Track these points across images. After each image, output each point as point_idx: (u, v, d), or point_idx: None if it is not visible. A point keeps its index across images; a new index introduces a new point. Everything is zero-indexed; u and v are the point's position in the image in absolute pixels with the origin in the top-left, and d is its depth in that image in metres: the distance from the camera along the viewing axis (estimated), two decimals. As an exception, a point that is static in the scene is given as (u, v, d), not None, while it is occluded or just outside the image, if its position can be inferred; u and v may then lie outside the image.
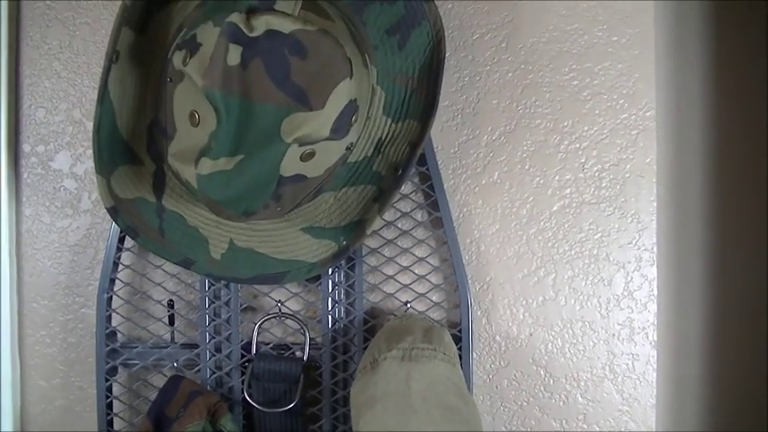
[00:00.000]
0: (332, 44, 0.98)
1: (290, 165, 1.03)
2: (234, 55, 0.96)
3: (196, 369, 1.27)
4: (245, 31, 0.96)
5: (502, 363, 1.29)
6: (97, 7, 1.32)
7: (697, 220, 1.36)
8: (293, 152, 1.01)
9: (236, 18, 0.95)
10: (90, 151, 1.32)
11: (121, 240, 1.26)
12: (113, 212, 1.10)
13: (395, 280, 1.28)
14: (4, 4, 1.30)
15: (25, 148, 1.33)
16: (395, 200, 1.20)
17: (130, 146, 1.13)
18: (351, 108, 1.03)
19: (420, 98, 1.15)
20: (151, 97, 1.13)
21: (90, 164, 1.32)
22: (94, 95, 1.28)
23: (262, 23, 0.96)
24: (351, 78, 1.00)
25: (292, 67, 0.97)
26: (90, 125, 1.31)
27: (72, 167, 1.33)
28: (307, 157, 1.04)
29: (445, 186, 1.26)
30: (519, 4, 1.29)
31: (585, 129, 1.28)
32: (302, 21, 0.98)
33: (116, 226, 1.22)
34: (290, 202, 1.09)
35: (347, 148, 1.10)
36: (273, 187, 1.03)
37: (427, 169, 1.24)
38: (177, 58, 1.03)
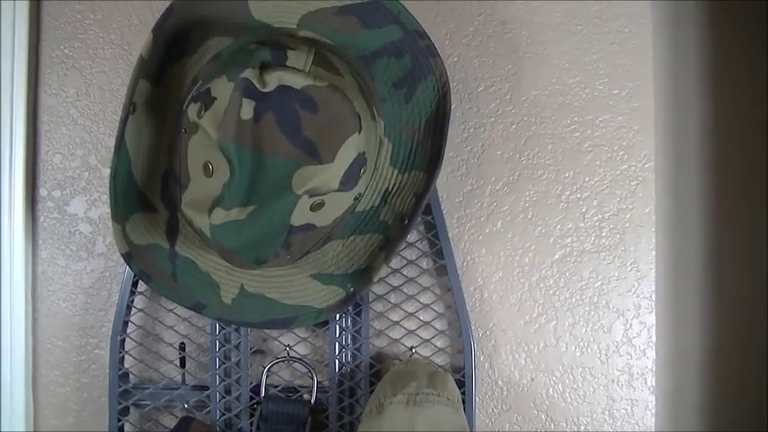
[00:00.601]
0: (341, 100, 1.01)
1: (301, 215, 1.05)
2: (247, 109, 0.99)
3: (206, 410, 1.29)
4: (258, 86, 0.99)
5: (504, 407, 1.32)
6: (114, 57, 1.36)
7: (695, 269, 1.39)
8: (303, 203, 1.04)
9: (249, 74, 0.99)
10: (105, 196, 1.35)
11: (135, 284, 1.28)
12: (128, 258, 1.13)
13: (400, 326, 1.31)
14: (24, 52, 1.33)
15: (42, 192, 1.36)
16: (401, 248, 1.22)
17: (145, 193, 1.17)
18: (359, 161, 1.06)
19: (426, 150, 1.18)
20: (165, 147, 1.16)
21: (105, 209, 1.35)
22: (110, 142, 1.33)
23: (274, 79, 1.00)
24: (359, 132, 1.03)
25: (303, 122, 1.01)
26: (105, 171, 1.35)
27: (87, 212, 1.36)
28: (316, 207, 1.07)
29: (450, 235, 1.28)
30: (522, 57, 1.32)
31: (586, 179, 1.31)
32: (313, 77, 1.01)
33: (130, 270, 1.25)
34: (300, 251, 1.12)
35: (355, 199, 1.13)
36: (284, 237, 1.05)
37: (432, 218, 1.26)
38: (192, 111, 1.06)
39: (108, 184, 1.27)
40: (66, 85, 1.37)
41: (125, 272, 1.27)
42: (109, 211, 1.24)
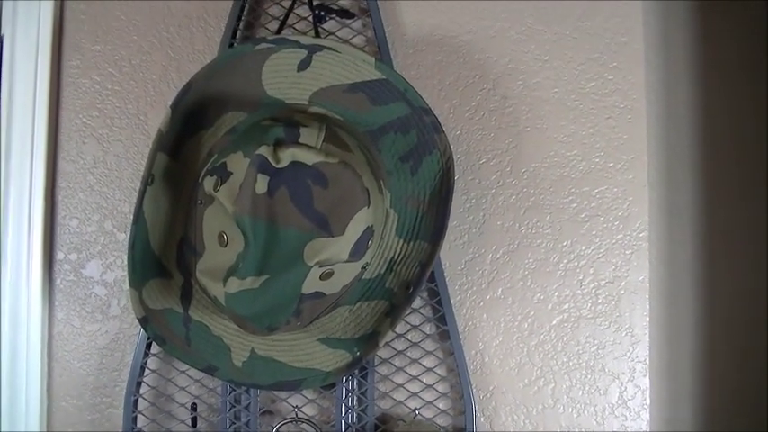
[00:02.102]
0: (351, 176, 1.06)
1: (311, 284, 1.09)
2: (262, 184, 1.04)
3: (216, 469, 1.32)
4: (272, 162, 1.04)
5: (504, 467, 1.36)
6: (130, 126, 1.41)
7: (687, 335, 1.44)
8: (314, 273, 1.08)
9: (264, 150, 1.04)
10: (120, 260, 1.39)
11: (148, 346, 1.32)
12: (144, 322, 1.17)
13: (404, 388, 1.34)
14: (44, 120, 1.39)
15: (59, 255, 1.40)
16: (406, 314, 1.25)
17: (161, 261, 1.20)
18: (368, 233, 1.10)
19: (431, 221, 1.22)
20: (181, 216, 1.20)
21: (120, 272, 1.39)
22: (125, 208, 1.37)
23: (288, 156, 1.05)
24: (368, 207, 1.08)
25: (315, 196, 1.06)
26: (120, 236, 1.39)
27: (102, 275, 1.40)
28: (326, 276, 1.11)
29: (452, 301, 1.33)
30: (522, 131, 1.37)
31: (583, 248, 1.36)
32: (324, 153, 1.07)
33: (144, 332, 1.29)
34: (309, 317, 1.15)
35: (362, 268, 1.17)
36: (295, 305, 1.09)
37: (435, 285, 1.31)
38: (208, 184, 1.11)
39: (125, 251, 1.32)
40: (83, 153, 1.42)
41: (139, 334, 1.31)
42: (123, 274, 1.29)
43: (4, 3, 1.42)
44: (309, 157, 1.06)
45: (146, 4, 1.43)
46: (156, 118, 1.41)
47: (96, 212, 1.41)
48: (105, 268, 1.40)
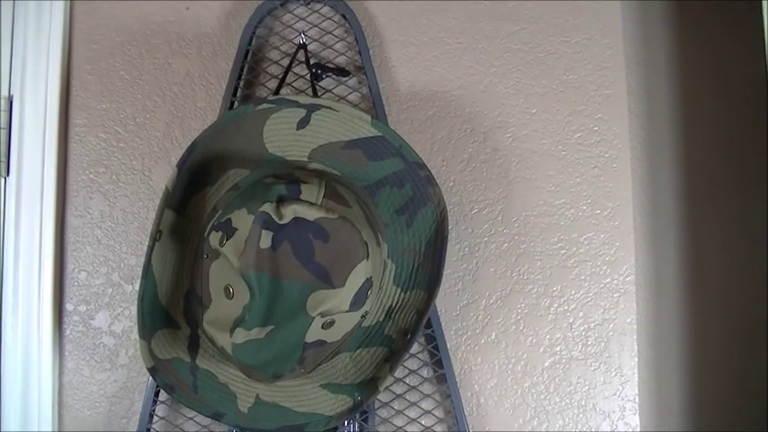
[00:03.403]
0: (350, 230, 1.11)
1: (314, 333, 1.13)
2: (266, 239, 1.09)
3: None
4: (275, 218, 1.09)
5: (501, 505, 1.40)
6: (135, 182, 1.46)
7: (675, 375, 1.48)
8: (317, 322, 1.12)
9: (268, 207, 1.09)
10: (127, 311, 1.43)
11: (157, 394, 1.36)
12: (153, 371, 1.20)
13: (404, 430, 1.38)
14: (52, 176, 1.44)
15: (68, 306, 1.44)
16: (404, 359, 1.27)
17: (169, 312, 1.24)
18: (367, 284, 1.14)
19: (426, 270, 1.26)
20: (187, 269, 1.24)
21: (127, 323, 1.43)
22: (132, 260, 1.42)
23: (290, 212, 1.10)
24: (367, 259, 1.12)
25: (316, 250, 1.10)
26: (128, 288, 1.43)
27: (111, 326, 1.44)
28: (327, 325, 1.15)
29: (448, 346, 1.37)
30: (512, 181, 1.43)
31: (573, 293, 1.41)
32: (325, 209, 1.11)
33: (152, 381, 1.33)
34: (312, 364, 1.19)
35: (362, 317, 1.20)
36: (299, 353, 1.13)
37: (432, 331, 1.35)
38: (214, 239, 1.15)
39: (133, 302, 1.37)
40: (91, 208, 1.46)
41: (148, 382, 1.35)
42: (131, 324, 1.34)
43: (13, 63, 1.46)
44: (311, 213, 1.10)
45: (149, 63, 1.48)
46: (161, 173, 1.45)
47: (104, 265, 1.44)
48: (113, 319, 1.44)
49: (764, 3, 1.25)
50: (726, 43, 1.54)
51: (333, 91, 1.44)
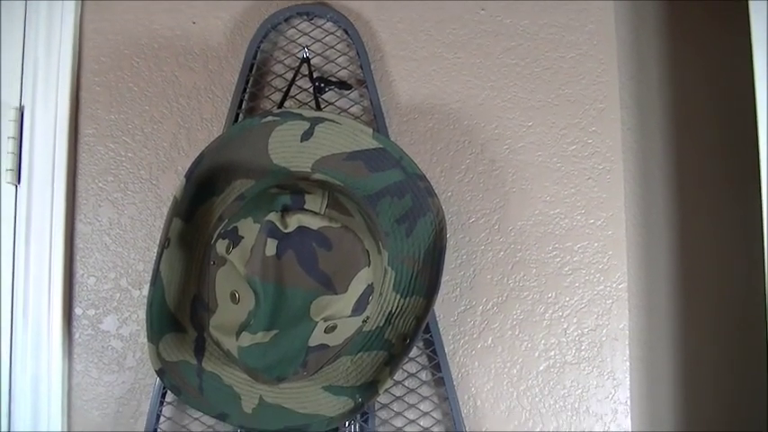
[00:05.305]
0: (353, 239, 1.15)
1: (317, 337, 1.17)
2: (271, 247, 1.12)
3: None
4: (280, 227, 1.13)
5: (496, 505, 1.43)
6: (143, 190, 1.49)
7: (666, 378, 1.52)
8: (319, 327, 1.15)
9: (273, 217, 1.13)
10: (135, 315, 1.46)
11: (163, 395, 1.39)
12: (161, 374, 1.23)
13: (403, 431, 1.41)
14: (62, 185, 1.47)
15: (77, 311, 1.48)
16: (403, 363, 1.27)
17: (176, 317, 1.27)
18: (368, 291, 1.17)
19: (425, 278, 1.29)
20: (194, 276, 1.28)
21: (135, 327, 1.46)
22: (139, 266, 1.45)
23: (294, 221, 1.13)
24: (369, 267, 1.16)
25: (320, 258, 1.14)
26: (135, 293, 1.47)
27: (119, 329, 1.47)
28: (330, 330, 1.18)
29: (446, 350, 1.40)
30: (509, 191, 1.46)
31: (567, 299, 1.44)
32: (328, 218, 1.15)
33: (159, 383, 1.37)
34: (315, 367, 1.22)
35: (363, 321, 1.23)
36: (303, 357, 1.16)
37: (430, 336, 1.38)
38: (221, 246, 1.18)
39: (140, 306, 1.40)
40: (99, 215, 1.49)
41: (155, 384, 1.38)
42: (138, 328, 1.37)
43: (25, 75, 1.50)
44: (314, 222, 1.14)
45: (157, 76, 1.52)
46: (168, 183, 1.49)
47: (112, 271, 1.48)
48: (121, 323, 1.47)
49: (752, 16, 1.29)
50: (717, 60, 1.57)
51: (335, 104, 1.48)
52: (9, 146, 1.48)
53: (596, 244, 1.45)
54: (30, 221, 1.47)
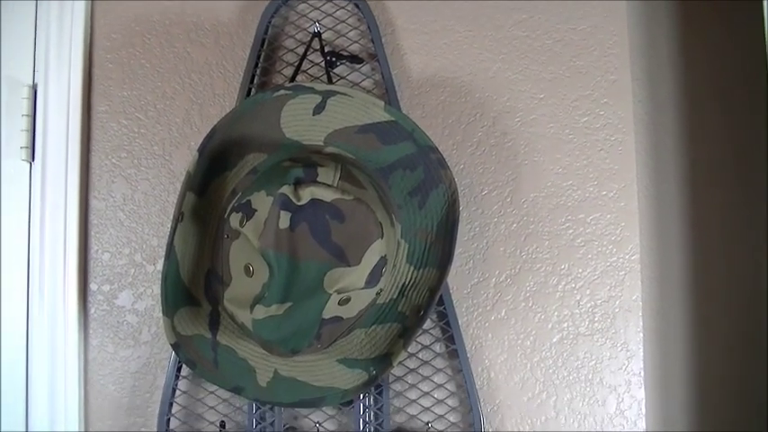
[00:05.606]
0: (365, 211, 1.15)
1: (330, 309, 1.18)
2: (284, 220, 1.13)
3: (244, 483, 1.40)
4: (293, 200, 1.13)
5: (511, 475, 1.44)
6: (156, 166, 1.50)
7: (679, 349, 1.52)
8: (333, 299, 1.16)
9: (286, 190, 1.13)
10: (150, 290, 1.48)
11: (178, 369, 1.40)
12: (176, 347, 1.24)
13: (417, 403, 1.42)
14: (76, 162, 1.48)
15: (92, 286, 1.49)
16: (417, 335, 1.26)
17: (190, 291, 1.28)
18: (381, 263, 1.18)
19: (438, 250, 1.30)
20: (208, 249, 1.28)
21: (150, 302, 1.48)
22: (154, 242, 1.46)
23: (307, 194, 1.14)
24: (382, 239, 1.16)
25: (333, 230, 1.15)
26: (150, 268, 1.48)
27: (134, 304, 1.48)
28: (343, 302, 1.19)
29: (459, 322, 1.41)
30: (521, 164, 1.46)
31: (580, 271, 1.44)
32: (341, 191, 1.15)
33: (174, 357, 1.38)
34: (329, 340, 1.23)
35: (377, 294, 1.25)
36: (316, 329, 1.17)
37: (444, 308, 1.39)
38: (234, 220, 1.19)
39: (155, 282, 1.41)
40: (113, 191, 1.50)
41: (170, 358, 1.39)
42: (153, 303, 1.38)
43: (37, 53, 1.51)
44: (327, 195, 1.15)
45: (168, 52, 1.52)
46: (181, 158, 1.50)
47: (126, 246, 1.49)
48: (136, 298, 1.48)
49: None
50: (728, 30, 1.57)
51: (347, 78, 1.48)
52: (23, 123, 1.49)
53: (609, 215, 1.45)
54: (44, 198, 1.48)
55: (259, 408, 1.39)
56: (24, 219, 1.49)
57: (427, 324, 1.43)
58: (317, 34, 1.43)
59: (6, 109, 1.50)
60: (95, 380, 1.48)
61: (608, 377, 1.42)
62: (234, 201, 1.24)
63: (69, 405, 1.46)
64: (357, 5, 1.47)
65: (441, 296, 1.37)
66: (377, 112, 1.27)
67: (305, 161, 1.21)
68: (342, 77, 1.48)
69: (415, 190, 1.31)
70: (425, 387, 1.43)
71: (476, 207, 1.46)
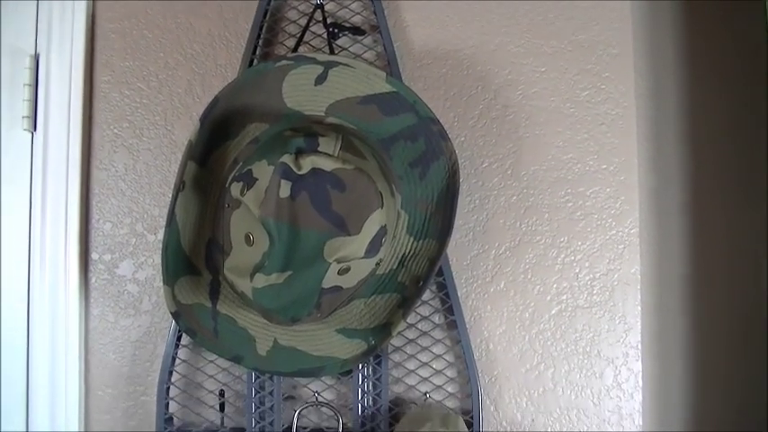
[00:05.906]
0: (366, 181, 1.16)
1: (330, 279, 1.18)
2: (285, 189, 1.13)
3: (244, 451, 1.41)
4: (294, 169, 1.14)
5: (508, 446, 1.45)
6: (158, 136, 1.50)
7: (677, 322, 1.53)
8: (333, 268, 1.17)
9: (287, 159, 1.14)
10: (150, 260, 1.48)
11: (179, 338, 1.41)
12: (176, 316, 1.24)
13: (416, 374, 1.43)
14: (78, 131, 1.49)
15: (94, 256, 1.49)
16: (416, 306, 1.29)
17: (191, 260, 1.28)
18: (381, 232, 1.19)
19: (438, 221, 1.30)
20: (209, 219, 1.29)
21: (151, 271, 1.48)
22: (155, 212, 1.47)
23: (308, 163, 1.15)
24: (382, 208, 1.17)
25: (333, 199, 1.15)
26: (151, 237, 1.48)
27: (135, 273, 1.49)
28: (343, 272, 1.20)
29: (459, 294, 1.42)
30: (522, 137, 1.47)
31: (579, 244, 1.45)
32: (342, 160, 1.16)
33: (174, 326, 1.38)
34: (328, 309, 1.24)
35: (377, 264, 1.25)
36: (316, 298, 1.18)
37: (443, 279, 1.39)
38: (235, 189, 1.20)
39: (155, 251, 1.42)
40: (115, 161, 1.51)
41: (170, 327, 1.40)
42: (154, 273, 1.38)
43: (39, 23, 1.50)
44: (328, 164, 1.15)
45: (171, 23, 1.52)
46: (182, 129, 1.50)
47: (128, 216, 1.49)
48: (137, 267, 1.49)
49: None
50: (731, 5, 1.57)
51: (349, 49, 1.48)
52: (25, 93, 1.49)
53: (608, 189, 1.45)
54: (46, 168, 1.48)
55: (258, 377, 1.40)
56: (26, 188, 1.49)
57: (426, 295, 1.44)
58: (320, 6, 1.43)
59: (9, 78, 1.50)
60: (96, 348, 1.49)
61: (606, 350, 1.43)
62: (235, 170, 1.24)
63: (70, 373, 1.46)
64: (359, -23, 1.47)
65: (440, 267, 1.38)
66: (378, 84, 1.27)
67: (306, 131, 1.21)
68: (344, 49, 1.48)
69: (415, 161, 1.31)
70: (424, 357, 1.44)
71: (476, 179, 1.46)
